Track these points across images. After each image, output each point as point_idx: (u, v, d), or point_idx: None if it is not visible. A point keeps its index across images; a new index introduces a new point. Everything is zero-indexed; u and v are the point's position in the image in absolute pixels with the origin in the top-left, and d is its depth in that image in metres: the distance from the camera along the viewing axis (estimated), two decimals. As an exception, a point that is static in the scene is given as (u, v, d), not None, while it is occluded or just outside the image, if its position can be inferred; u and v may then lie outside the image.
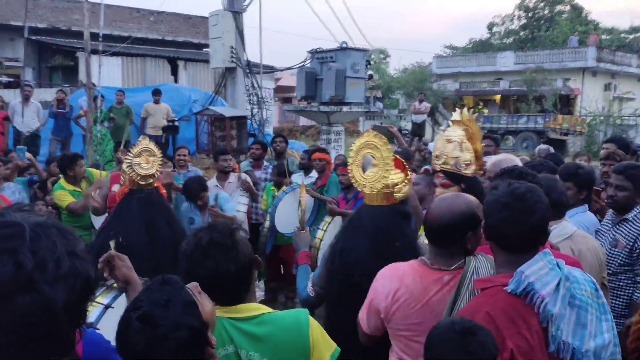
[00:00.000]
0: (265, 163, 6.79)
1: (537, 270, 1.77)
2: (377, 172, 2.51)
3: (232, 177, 5.94)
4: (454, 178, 2.89)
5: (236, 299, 1.80)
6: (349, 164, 2.64)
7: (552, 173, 3.23)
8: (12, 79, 15.95)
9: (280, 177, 5.94)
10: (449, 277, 2.10)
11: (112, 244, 2.03)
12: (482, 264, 2.05)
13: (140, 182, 3.21)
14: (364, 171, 2.57)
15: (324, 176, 5.86)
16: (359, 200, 4.07)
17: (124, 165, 3.23)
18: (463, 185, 2.85)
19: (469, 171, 2.88)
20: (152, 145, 3.28)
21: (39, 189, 6.26)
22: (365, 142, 2.58)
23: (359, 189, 2.61)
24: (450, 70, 33.53)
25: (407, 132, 18.52)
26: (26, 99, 10.12)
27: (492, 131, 20.93)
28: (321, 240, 4.33)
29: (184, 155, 6.48)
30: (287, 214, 5.32)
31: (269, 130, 14.52)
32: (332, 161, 6.21)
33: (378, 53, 36.41)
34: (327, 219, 4.45)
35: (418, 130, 16.10)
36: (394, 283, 2.14)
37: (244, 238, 1.84)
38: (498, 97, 31.99)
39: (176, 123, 11.36)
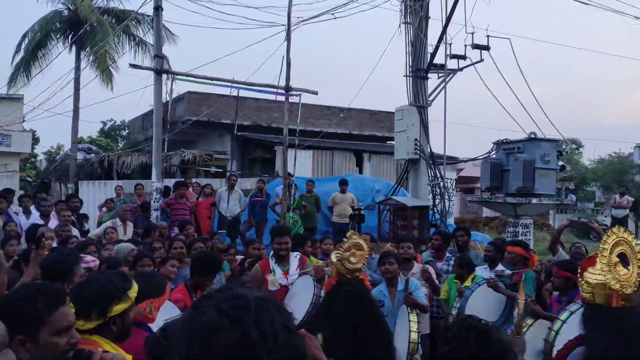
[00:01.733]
0: (448, 254, 6.68)
1: None
2: (633, 271, 2.40)
3: (415, 267, 5.92)
4: None
5: None
6: (602, 262, 2.50)
7: None
8: (220, 170, 18.03)
9: (461, 269, 5.70)
10: None
11: (320, 336, 2.14)
12: None
13: (348, 276, 3.36)
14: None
15: (518, 272, 5.36)
16: (574, 302, 3.67)
17: (333, 257, 3.42)
18: None
19: None
20: (361, 241, 3.46)
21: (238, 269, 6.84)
22: (617, 239, 2.52)
23: (617, 289, 2.42)
24: (655, 161, 30.31)
25: (606, 227, 16.84)
26: (231, 187, 11.35)
27: None
28: None
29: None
30: (477, 311, 5.05)
31: (451, 221, 14.29)
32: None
33: (570, 143, 34.41)
34: (529, 321, 4.07)
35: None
36: None
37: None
38: None
39: (362, 212, 11.76)
